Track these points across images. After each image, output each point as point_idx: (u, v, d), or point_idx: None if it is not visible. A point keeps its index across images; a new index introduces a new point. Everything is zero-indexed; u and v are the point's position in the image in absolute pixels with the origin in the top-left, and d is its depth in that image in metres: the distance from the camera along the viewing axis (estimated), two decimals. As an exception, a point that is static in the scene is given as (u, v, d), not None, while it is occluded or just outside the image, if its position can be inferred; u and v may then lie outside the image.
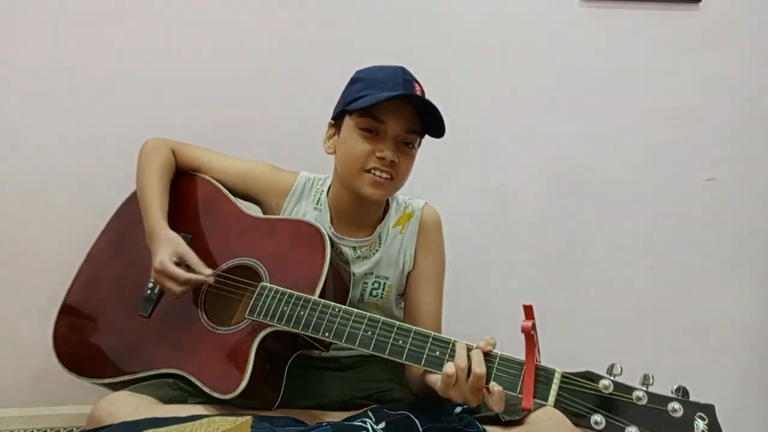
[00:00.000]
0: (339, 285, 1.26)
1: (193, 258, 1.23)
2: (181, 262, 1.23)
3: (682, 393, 0.91)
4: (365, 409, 1.22)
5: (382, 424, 1.09)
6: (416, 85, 1.29)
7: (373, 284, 1.36)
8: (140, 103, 1.71)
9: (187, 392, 1.17)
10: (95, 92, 1.70)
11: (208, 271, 1.23)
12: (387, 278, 1.37)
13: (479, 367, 0.97)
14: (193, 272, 1.22)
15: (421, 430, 1.08)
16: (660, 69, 1.85)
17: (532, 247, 1.84)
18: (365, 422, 1.10)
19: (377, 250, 1.37)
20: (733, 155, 1.86)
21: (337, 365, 1.36)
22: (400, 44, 1.78)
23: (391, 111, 1.24)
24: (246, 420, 0.98)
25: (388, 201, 1.41)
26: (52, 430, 1.41)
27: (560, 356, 1.81)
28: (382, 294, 1.36)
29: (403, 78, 1.27)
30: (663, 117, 1.85)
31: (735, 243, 1.86)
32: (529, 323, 0.95)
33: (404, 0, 1.80)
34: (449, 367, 0.99)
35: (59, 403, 1.38)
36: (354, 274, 1.33)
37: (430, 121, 1.27)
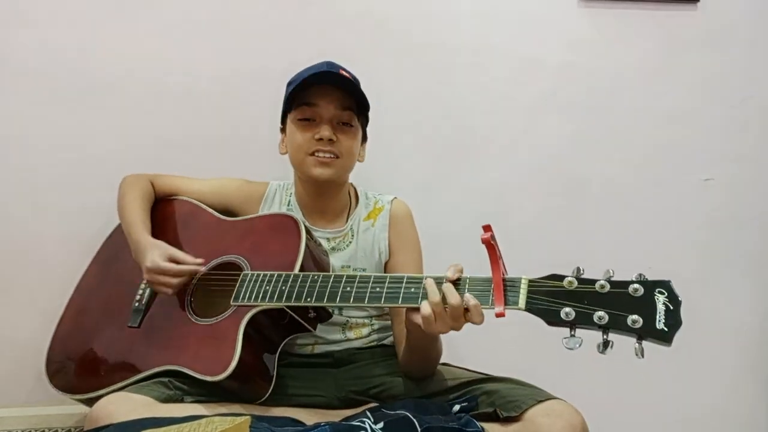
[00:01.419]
0: (318, 266, 1.29)
1: (181, 254, 1.29)
2: (171, 261, 1.28)
3: (641, 276, 0.98)
4: (364, 408, 1.22)
5: (381, 424, 1.09)
6: (342, 71, 1.38)
7: None
8: (139, 104, 1.72)
9: (183, 391, 1.18)
10: (95, 93, 1.70)
11: (199, 260, 1.28)
12: (364, 269, 1.43)
13: (453, 298, 1.04)
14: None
15: (419, 429, 1.08)
16: (658, 69, 1.86)
17: (530, 247, 1.84)
18: (364, 422, 1.10)
19: (351, 242, 1.43)
20: (731, 155, 1.86)
21: (330, 360, 1.37)
22: (399, 45, 1.79)
23: (319, 95, 1.36)
24: (244, 420, 0.98)
25: (356, 192, 1.50)
26: (50, 430, 1.41)
27: (559, 357, 1.81)
28: None
29: (327, 65, 1.38)
30: (661, 117, 1.85)
31: (733, 243, 1.86)
32: (488, 234, 1.03)
33: (401, 1, 1.81)
34: (425, 308, 1.05)
35: (58, 403, 1.38)
36: (333, 267, 1.36)
37: (360, 100, 1.38)
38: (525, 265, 1.81)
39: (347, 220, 1.45)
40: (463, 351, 1.55)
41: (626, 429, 1.80)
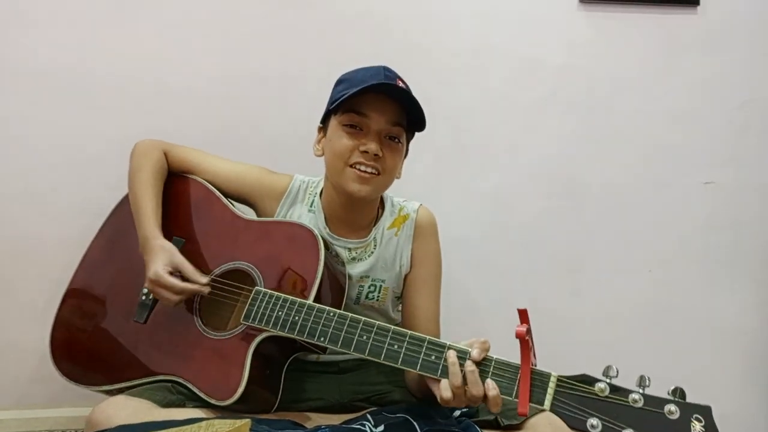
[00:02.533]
0: (334, 287, 1.26)
1: (188, 268, 1.23)
2: (176, 272, 1.23)
3: (679, 394, 0.91)
4: (364, 411, 1.22)
5: (381, 427, 1.10)
6: (399, 81, 1.29)
7: (369, 287, 1.36)
8: (138, 104, 1.71)
9: (186, 396, 1.17)
10: (95, 93, 1.69)
11: (204, 279, 1.23)
12: (383, 281, 1.36)
13: (475, 388, 0.98)
14: (189, 281, 1.22)
15: (419, 432, 1.08)
16: (658, 71, 1.85)
17: (530, 250, 1.84)
18: (364, 425, 1.10)
19: (372, 252, 1.36)
20: (731, 158, 1.86)
21: (335, 369, 1.36)
22: (399, 45, 1.78)
23: (373, 105, 1.25)
24: (244, 423, 0.98)
25: (382, 202, 1.41)
26: (47, 432, 1.42)
27: (557, 359, 1.81)
28: (378, 297, 1.36)
29: (385, 74, 1.27)
30: (661, 120, 1.85)
31: (733, 246, 1.86)
32: (524, 328, 0.95)
33: (401, 1, 1.80)
34: (445, 389, 1.00)
35: (56, 405, 1.38)
36: (350, 277, 1.32)
37: (414, 116, 1.28)
38: (524, 266, 1.84)
39: (371, 231, 1.37)
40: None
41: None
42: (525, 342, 0.96)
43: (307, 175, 1.45)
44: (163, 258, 1.23)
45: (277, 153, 1.62)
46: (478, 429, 1.09)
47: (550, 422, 1.09)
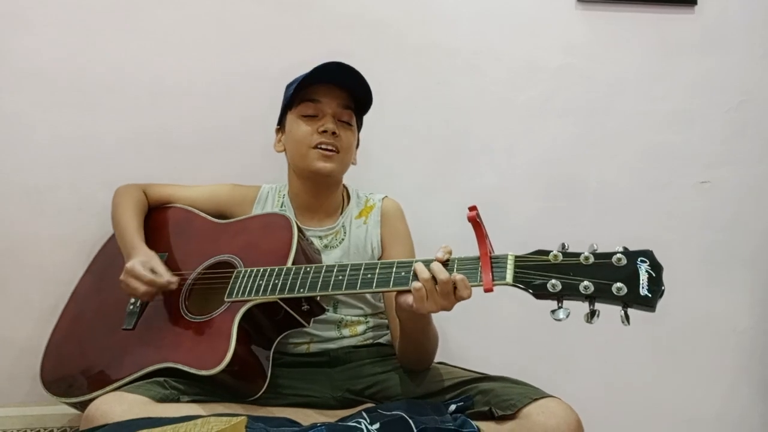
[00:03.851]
0: (311, 263, 1.29)
1: (160, 268, 1.30)
2: (150, 269, 1.29)
3: (623, 248, 1.01)
4: (359, 409, 1.22)
5: (377, 425, 1.09)
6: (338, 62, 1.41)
7: None
8: (138, 104, 1.71)
9: (180, 391, 1.17)
10: (93, 93, 1.70)
11: (174, 279, 1.29)
12: None
13: (442, 273, 1.07)
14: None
15: (415, 430, 1.08)
16: (656, 72, 1.86)
17: (528, 250, 1.84)
18: (360, 422, 1.10)
19: (343, 239, 1.45)
20: (727, 158, 1.87)
21: (326, 359, 1.37)
22: (397, 46, 1.79)
23: (324, 92, 1.41)
24: (241, 420, 0.98)
25: (347, 191, 1.53)
26: (46, 430, 1.41)
27: (556, 359, 1.82)
28: None
29: (334, 63, 1.40)
30: (658, 120, 1.86)
31: (729, 245, 1.87)
32: (474, 212, 1.07)
33: (399, 2, 1.81)
34: (416, 284, 1.08)
35: (53, 403, 1.38)
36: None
37: (360, 97, 1.44)
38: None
39: (339, 218, 1.47)
40: (459, 350, 1.55)
41: (621, 427, 1.80)
42: (477, 225, 1.07)
43: (275, 183, 1.54)
44: (142, 257, 1.32)
45: (273, 153, 1.62)
46: (473, 424, 1.09)
47: (542, 411, 1.10)
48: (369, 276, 1.14)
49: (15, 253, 1.65)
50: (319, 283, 1.16)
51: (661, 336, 1.83)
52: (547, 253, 1.04)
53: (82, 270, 1.53)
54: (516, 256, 1.06)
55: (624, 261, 0.99)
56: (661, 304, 1.85)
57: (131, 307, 1.34)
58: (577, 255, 1.02)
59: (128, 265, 1.29)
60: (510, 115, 1.85)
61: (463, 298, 1.08)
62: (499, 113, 1.84)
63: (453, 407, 1.18)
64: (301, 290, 1.16)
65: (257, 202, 1.51)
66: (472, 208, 1.08)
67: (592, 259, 1.00)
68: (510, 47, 1.84)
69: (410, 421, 1.10)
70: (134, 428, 0.98)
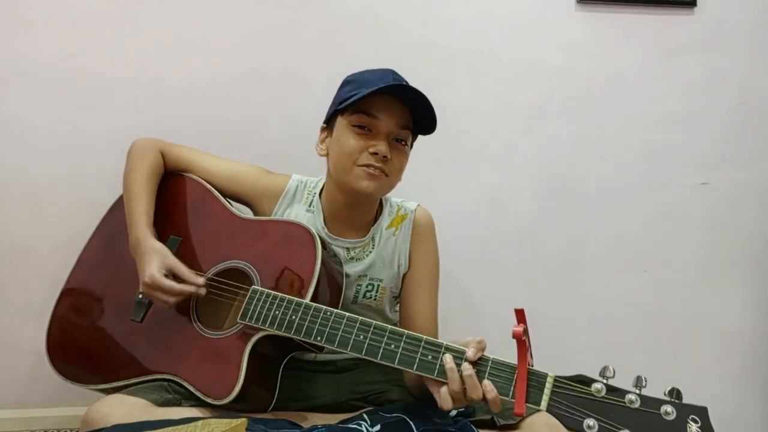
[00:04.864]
0: (332, 286, 1.25)
1: (183, 269, 1.23)
2: (170, 274, 1.23)
3: (675, 395, 0.91)
4: (360, 411, 1.22)
5: (377, 427, 1.10)
6: (406, 84, 1.30)
7: (367, 286, 1.36)
8: (137, 104, 1.71)
9: (182, 395, 1.17)
10: (93, 93, 1.69)
11: (201, 280, 1.23)
12: (381, 280, 1.37)
13: (474, 392, 0.99)
14: (185, 283, 1.22)
15: (416, 432, 1.08)
16: (656, 72, 1.86)
17: (527, 250, 1.84)
18: (360, 425, 1.10)
19: (371, 252, 1.37)
20: (727, 159, 1.87)
21: (333, 368, 1.36)
22: (397, 46, 1.78)
23: (383, 107, 1.26)
24: (241, 422, 0.97)
25: (381, 202, 1.41)
26: (45, 431, 1.41)
27: (554, 359, 1.81)
28: (375, 296, 1.36)
29: (393, 77, 1.29)
30: (658, 120, 1.86)
31: (729, 246, 1.87)
32: (521, 328, 0.96)
33: (400, 2, 1.80)
34: (444, 395, 1.01)
35: (52, 404, 1.38)
36: (348, 276, 1.32)
37: (422, 119, 1.30)
38: (520, 268, 1.84)
39: (370, 230, 1.38)
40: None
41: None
42: (522, 342, 0.96)
43: (305, 175, 1.45)
44: (156, 260, 1.23)
45: (275, 152, 1.62)
46: (475, 429, 1.09)
47: (547, 422, 1.09)
48: (392, 347, 1.06)
49: (14, 254, 1.65)
50: (338, 337, 1.10)
51: (661, 338, 1.83)
52: (589, 383, 0.93)
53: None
54: (556, 379, 0.96)
55: (673, 416, 0.88)
56: (660, 305, 1.86)
57: (140, 296, 1.28)
58: (623, 394, 0.91)
59: (147, 278, 1.20)
60: (510, 115, 1.84)
61: (489, 409, 1.01)
62: (499, 113, 1.84)
63: (454, 412, 1.18)
64: (318, 338, 1.11)
65: (283, 197, 1.40)
66: (520, 317, 0.98)
67: (637, 404, 0.90)
68: (510, 47, 1.84)
69: (411, 423, 1.10)
70: (134, 431, 0.98)
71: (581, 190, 1.86)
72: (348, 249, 1.35)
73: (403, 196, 1.53)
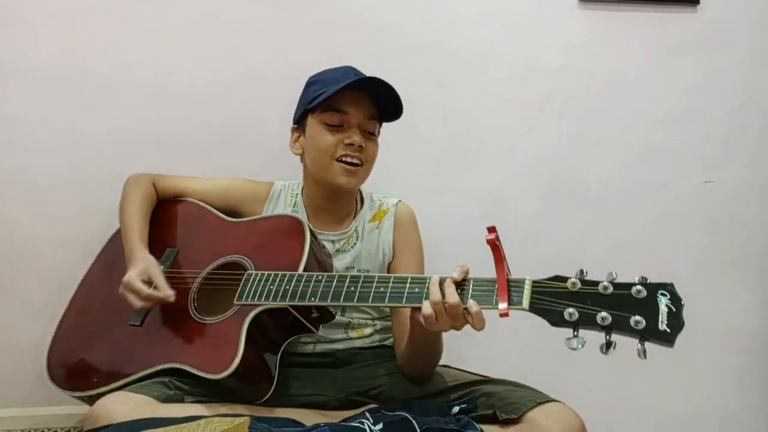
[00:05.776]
0: (322, 269, 1.29)
1: (159, 279, 1.28)
2: (148, 281, 1.27)
3: (643, 279, 0.99)
4: (363, 409, 1.22)
5: (380, 425, 1.09)
6: (371, 77, 1.38)
7: None
8: (137, 104, 1.71)
9: (184, 391, 1.17)
10: (94, 93, 1.70)
11: (171, 292, 1.27)
12: (368, 270, 1.42)
13: (452, 297, 1.06)
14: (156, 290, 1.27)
15: (418, 430, 1.08)
16: (657, 71, 1.86)
17: (527, 250, 1.84)
18: (363, 423, 1.10)
19: (355, 244, 1.44)
20: (730, 158, 1.87)
21: (331, 360, 1.37)
22: (397, 46, 1.79)
23: (351, 102, 1.35)
24: (244, 420, 0.98)
25: (361, 194, 1.50)
26: (49, 430, 1.41)
27: (555, 359, 1.82)
28: None
29: (354, 73, 1.38)
30: (660, 119, 1.86)
31: (732, 245, 1.87)
32: (493, 235, 1.05)
33: (400, 3, 1.81)
34: (426, 308, 1.07)
35: (56, 403, 1.38)
36: (336, 270, 1.36)
37: (387, 106, 1.40)
38: (523, 268, 1.82)
39: (352, 222, 1.45)
40: (463, 353, 1.55)
41: (625, 431, 1.80)
42: (496, 248, 1.05)
43: (287, 180, 1.51)
44: (140, 266, 1.29)
45: (275, 152, 1.62)
46: (477, 425, 1.09)
47: (547, 415, 1.10)
48: (382, 290, 1.13)
49: (16, 254, 1.65)
50: (331, 292, 1.15)
51: (661, 336, 1.84)
52: (565, 279, 1.02)
53: (84, 270, 1.53)
54: (533, 281, 1.04)
55: (643, 293, 0.97)
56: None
57: None
58: (596, 284, 1.00)
59: (125, 278, 1.27)
60: (510, 115, 1.85)
61: (474, 329, 1.06)
62: (499, 113, 1.84)
63: (456, 409, 1.18)
64: (312, 299, 1.16)
65: (269, 201, 1.48)
66: (492, 230, 1.06)
67: (610, 289, 0.98)
68: (510, 47, 1.84)
69: (413, 421, 1.10)
70: (138, 428, 0.98)
71: (581, 190, 1.86)
72: (333, 242, 1.42)
73: (404, 195, 1.54)
